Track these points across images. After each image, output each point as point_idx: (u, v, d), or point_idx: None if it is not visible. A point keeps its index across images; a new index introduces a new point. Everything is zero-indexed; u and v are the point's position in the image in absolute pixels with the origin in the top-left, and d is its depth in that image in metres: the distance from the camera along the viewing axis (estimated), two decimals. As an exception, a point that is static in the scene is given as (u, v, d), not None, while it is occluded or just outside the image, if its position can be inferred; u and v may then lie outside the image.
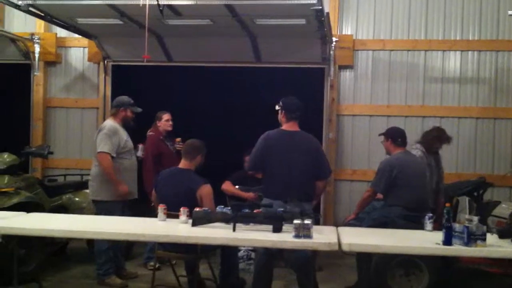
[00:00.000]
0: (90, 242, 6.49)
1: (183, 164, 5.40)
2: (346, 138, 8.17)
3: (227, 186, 6.68)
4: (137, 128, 6.31)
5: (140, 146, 6.62)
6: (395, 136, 5.89)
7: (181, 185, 5.20)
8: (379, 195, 5.86)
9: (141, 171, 6.40)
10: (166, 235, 4.38)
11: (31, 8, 6.55)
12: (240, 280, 5.71)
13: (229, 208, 4.69)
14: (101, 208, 5.80)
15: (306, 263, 4.97)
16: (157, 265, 5.98)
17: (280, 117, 5.26)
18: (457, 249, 4.08)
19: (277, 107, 5.28)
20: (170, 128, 6.91)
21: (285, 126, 5.22)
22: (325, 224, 7.34)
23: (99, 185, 5.86)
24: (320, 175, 5.22)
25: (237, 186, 6.65)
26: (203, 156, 5.44)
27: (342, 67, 8.14)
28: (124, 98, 6.13)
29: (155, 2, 5.73)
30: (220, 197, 5.86)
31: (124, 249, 6.44)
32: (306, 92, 7.20)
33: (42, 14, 6.94)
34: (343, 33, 8.18)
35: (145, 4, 5.67)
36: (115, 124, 5.94)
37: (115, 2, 6.30)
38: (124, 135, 5.93)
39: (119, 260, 6.04)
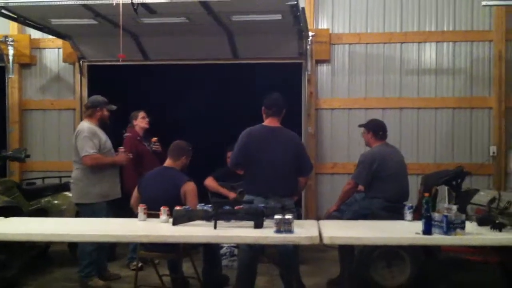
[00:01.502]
0: (71, 245, 6.44)
1: (168, 163, 5.42)
2: (325, 132, 8.20)
3: (209, 182, 6.65)
4: (113, 128, 6.26)
5: (121, 150, 6.53)
6: (376, 129, 5.94)
7: (166, 182, 5.22)
8: (361, 187, 5.90)
9: (121, 172, 6.33)
10: (146, 235, 4.36)
11: (3, 11, 6.49)
12: (223, 277, 5.71)
13: (210, 205, 4.68)
14: (86, 210, 5.74)
15: (289, 257, 4.99)
16: (140, 265, 5.95)
17: (263, 113, 5.27)
18: (437, 238, 4.12)
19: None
20: (147, 126, 6.88)
21: (265, 122, 5.22)
22: (307, 218, 7.39)
23: (82, 188, 5.79)
24: (301, 171, 5.22)
25: (220, 182, 6.63)
26: (188, 158, 5.47)
27: (319, 62, 8.16)
28: (99, 98, 6.05)
29: (129, 1, 5.69)
30: (201, 194, 5.84)
31: (107, 250, 6.39)
32: (284, 88, 7.14)
33: (15, 16, 6.86)
34: (319, 27, 8.19)
35: (119, 3, 5.63)
36: (92, 125, 5.85)
37: (88, 2, 6.22)
38: (102, 135, 5.87)
39: (101, 262, 6.00)
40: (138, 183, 5.46)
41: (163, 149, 6.55)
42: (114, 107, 6.09)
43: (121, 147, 6.33)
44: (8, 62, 8.37)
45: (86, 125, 5.86)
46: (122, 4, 5.69)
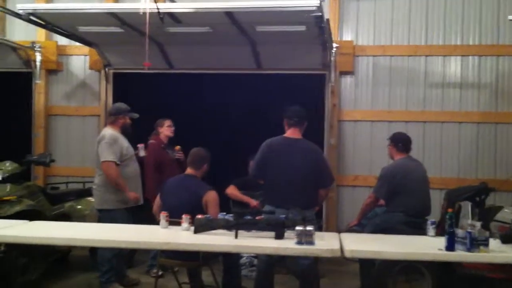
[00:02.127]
0: (93, 250, 6.49)
1: (189, 171, 5.43)
2: (347, 144, 8.17)
3: (231, 190, 6.66)
4: (136, 135, 6.32)
5: (140, 146, 6.59)
6: (396, 141, 5.91)
7: (187, 190, 5.23)
8: (382, 201, 5.86)
9: (142, 179, 6.38)
10: (167, 242, 4.38)
11: (31, 17, 6.58)
12: None
13: (231, 215, 4.69)
14: (106, 216, 5.79)
15: (309, 270, 4.96)
16: (160, 273, 5.99)
17: (284, 124, 5.28)
18: (460, 255, 4.08)
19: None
20: (172, 134, 6.92)
21: (287, 133, 5.23)
22: (327, 230, 7.34)
23: (103, 194, 5.85)
24: (322, 183, 5.21)
25: (241, 191, 6.64)
26: (209, 165, 5.47)
27: (342, 73, 8.15)
28: (122, 105, 6.13)
29: (156, 10, 5.75)
30: (223, 202, 5.85)
31: (126, 256, 6.43)
32: (307, 99, 7.21)
33: (43, 23, 6.98)
34: (344, 39, 8.20)
35: (146, 12, 5.69)
36: (114, 132, 5.92)
37: (115, 10, 6.33)
38: (124, 142, 5.93)
39: (121, 268, 6.03)
40: (161, 191, 5.48)
41: (186, 157, 6.60)
42: (136, 115, 6.16)
43: (139, 144, 6.47)
44: (35, 68, 8.50)
45: (108, 131, 5.92)
46: (149, 13, 5.75)
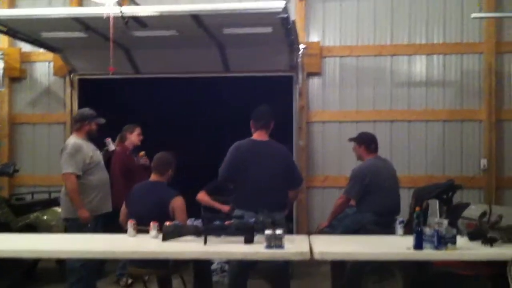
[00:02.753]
0: (60, 262, 6.36)
1: (154, 177, 5.33)
2: (316, 145, 8.19)
3: (202, 196, 6.59)
4: (102, 142, 6.23)
5: (108, 140, 6.45)
6: (368, 142, 5.90)
7: (153, 197, 5.13)
8: (352, 202, 5.87)
9: (111, 186, 6.26)
10: (135, 251, 4.32)
11: (-8, 24, 6.44)
12: None
13: (200, 220, 4.64)
14: (73, 225, 5.64)
15: (280, 273, 4.95)
16: (129, 281, 5.89)
17: (251, 126, 5.25)
18: (428, 253, 4.10)
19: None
20: (139, 143, 6.85)
21: (254, 136, 5.20)
22: (298, 232, 7.33)
23: (70, 202, 5.72)
24: (291, 184, 5.20)
25: (212, 197, 6.58)
26: (174, 170, 5.39)
27: (310, 74, 8.16)
28: (86, 111, 5.98)
29: (120, 14, 5.66)
30: (194, 208, 5.80)
31: (96, 265, 6.31)
32: (276, 101, 7.14)
33: (5, 29, 6.82)
34: (310, 40, 8.21)
35: (109, 17, 5.61)
36: (78, 140, 5.76)
37: (78, 15, 6.22)
38: (89, 150, 5.77)
39: (91, 279, 5.90)
40: (126, 198, 5.39)
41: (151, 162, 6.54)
42: (103, 120, 6.04)
43: (142, 152, 6.54)
44: (-2, 76, 8.34)
45: (72, 140, 5.76)
46: (113, 17, 5.67)
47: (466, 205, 5.76)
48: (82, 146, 5.71)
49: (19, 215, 6.33)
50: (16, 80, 8.66)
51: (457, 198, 6.23)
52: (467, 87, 8.02)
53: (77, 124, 5.90)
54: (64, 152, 5.66)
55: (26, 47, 8.40)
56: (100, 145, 6.19)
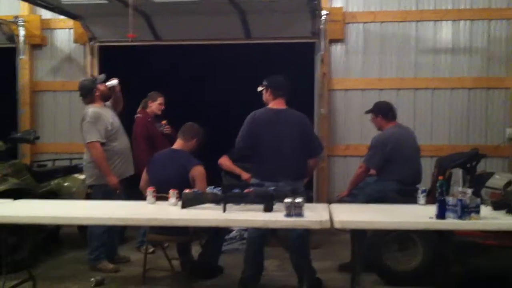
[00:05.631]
0: (82, 227, 6.43)
1: (177, 144, 5.37)
2: (338, 113, 8.07)
3: (224, 160, 6.52)
4: (126, 110, 6.20)
5: (164, 123, 6.66)
6: (385, 111, 5.84)
7: (174, 165, 5.16)
8: (372, 171, 5.80)
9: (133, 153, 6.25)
10: (155, 218, 4.32)
11: (13, -10, 6.41)
12: (218, 267, 5.58)
13: (220, 188, 4.62)
14: (98, 192, 5.70)
15: (299, 241, 4.92)
16: (151, 249, 5.95)
17: (266, 96, 5.17)
18: (451, 223, 4.02)
19: (259, 88, 5.18)
20: (160, 112, 6.83)
21: (271, 104, 5.12)
22: (318, 201, 7.28)
23: (94, 169, 5.74)
24: (311, 152, 5.13)
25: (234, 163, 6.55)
26: (199, 142, 5.38)
27: (332, 41, 7.99)
28: (86, 82, 5.96)
29: (139, -20, 5.59)
30: (215, 176, 5.78)
31: (118, 232, 6.37)
32: (297, 68, 7.09)
33: (25, -5, 6.79)
34: (333, 6, 8.02)
35: (129, -18, 5.54)
36: (96, 109, 5.76)
37: (98, -20, 6.14)
38: (109, 116, 5.77)
39: (112, 245, 5.97)
40: (147, 166, 5.40)
41: (174, 131, 6.51)
42: (103, 77, 5.96)
43: (164, 121, 6.59)
44: (19, 43, 8.31)
45: (90, 110, 5.76)
46: (133, -17, 5.60)
47: (490, 174, 5.65)
48: (101, 114, 5.72)
49: (41, 181, 6.38)
50: (36, 47, 8.64)
51: (481, 167, 6.10)
52: (493, 54, 7.78)
53: (87, 97, 5.86)
54: (84, 121, 5.67)
55: (46, 14, 8.35)
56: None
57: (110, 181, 5.61)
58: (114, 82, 5.92)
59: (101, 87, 5.86)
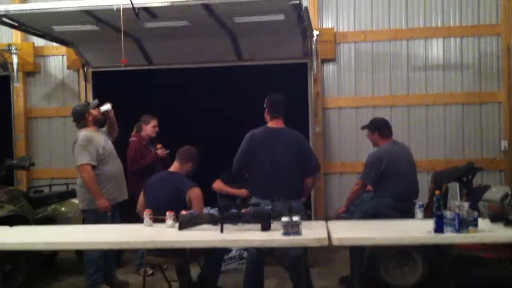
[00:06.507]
0: (79, 252, 6.38)
1: (174, 167, 5.38)
2: (333, 131, 8.11)
3: (218, 184, 6.59)
4: (120, 134, 6.21)
5: (159, 146, 6.67)
6: (381, 128, 5.86)
7: (170, 187, 5.15)
8: (369, 187, 5.81)
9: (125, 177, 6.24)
10: (152, 241, 4.30)
11: (4, 19, 6.45)
12: (217, 287, 5.47)
13: (216, 208, 4.62)
14: (91, 217, 5.66)
15: (298, 260, 4.89)
16: (150, 272, 5.90)
17: (265, 114, 5.20)
18: (449, 237, 4.03)
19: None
20: (154, 135, 6.84)
21: (270, 124, 5.15)
22: (316, 218, 7.29)
23: (86, 194, 5.71)
24: (308, 171, 5.13)
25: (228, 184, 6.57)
26: (194, 166, 5.40)
27: (324, 61, 8.07)
28: (79, 107, 5.95)
29: (130, 6, 5.62)
30: (211, 198, 5.78)
31: (115, 256, 6.32)
32: (290, 88, 7.09)
33: (16, 24, 6.83)
34: (324, 26, 8.11)
35: (120, 8, 5.57)
36: (87, 132, 5.76)
37: (89, 8, 6.17)
38: (101, 140, 5.76)
39: (109, 269, 5.93)
40: (143, 188, 5.39)
41: (168, 154, 6.53)
42: (96, 102, 5.97)
43: (159, 144, 6.59)
44: (13, 71, 8.35)
45: (82, 133, 5.75)
46: (124, 9, 5.64)
47: (487, 187, 5.66)
48: (93, 137, 5.71)
49: (37, 207, 6.34)
50: (30, 74, 8.68)
51: (477, 181, 6.12)
52: (485, 69, 7.87)
53: (80, 122, 5.87)
54: (76, 144, 5.66)
55: (39, 41, 8.41)
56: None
57: (99, 204, 5.56)
58: (107, 106, 5.94)
59: (93, 111, 5.87)
